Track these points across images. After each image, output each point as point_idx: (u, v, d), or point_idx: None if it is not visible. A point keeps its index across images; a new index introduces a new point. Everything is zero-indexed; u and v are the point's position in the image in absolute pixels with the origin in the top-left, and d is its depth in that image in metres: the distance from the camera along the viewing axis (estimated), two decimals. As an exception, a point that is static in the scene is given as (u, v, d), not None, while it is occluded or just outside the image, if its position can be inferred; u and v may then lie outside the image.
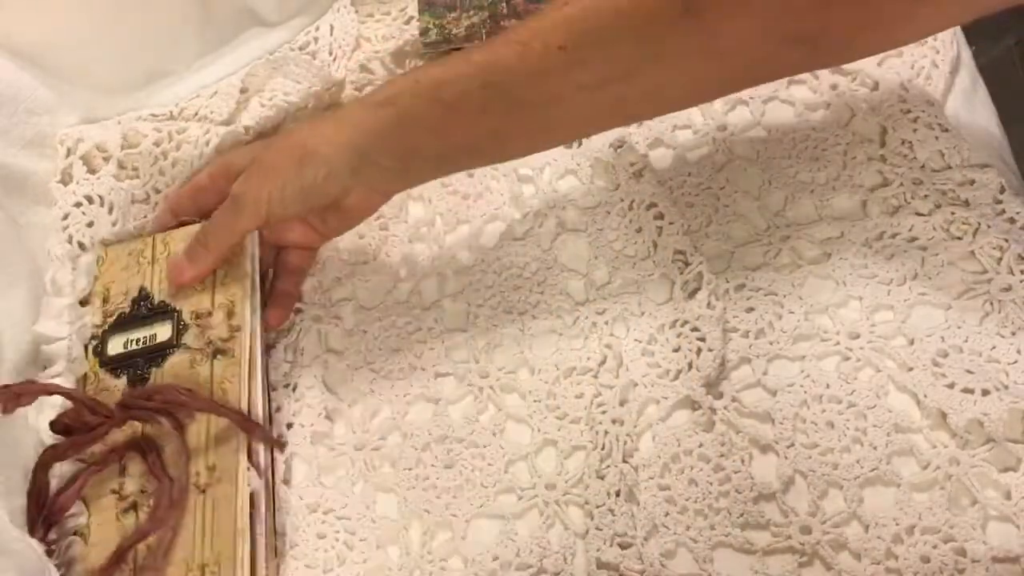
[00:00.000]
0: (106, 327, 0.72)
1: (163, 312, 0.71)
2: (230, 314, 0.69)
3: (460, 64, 0.58)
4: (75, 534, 0.64)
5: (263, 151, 0.65)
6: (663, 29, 0.53)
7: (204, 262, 0.67)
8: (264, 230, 0.70)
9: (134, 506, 0.63)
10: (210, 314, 0.69)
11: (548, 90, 0.57)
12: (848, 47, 0.56)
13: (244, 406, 0.65)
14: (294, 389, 0.70)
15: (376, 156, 0.61)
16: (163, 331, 0.70)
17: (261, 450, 0.65)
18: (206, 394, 0.65)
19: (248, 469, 0.63)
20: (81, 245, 0.76)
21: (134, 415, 0.64)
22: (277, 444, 0.66)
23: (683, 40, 0.53)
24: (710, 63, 0.55)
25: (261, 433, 0.64)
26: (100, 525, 0.63)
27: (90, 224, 0.76)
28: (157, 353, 0.69)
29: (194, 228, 0.74)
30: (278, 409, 0.70)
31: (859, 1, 0.50)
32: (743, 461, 0.61)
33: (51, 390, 0.63)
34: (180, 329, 0.69)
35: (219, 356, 0.67)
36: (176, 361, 0.68)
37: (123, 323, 0.72)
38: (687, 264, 0.68)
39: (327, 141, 0.61)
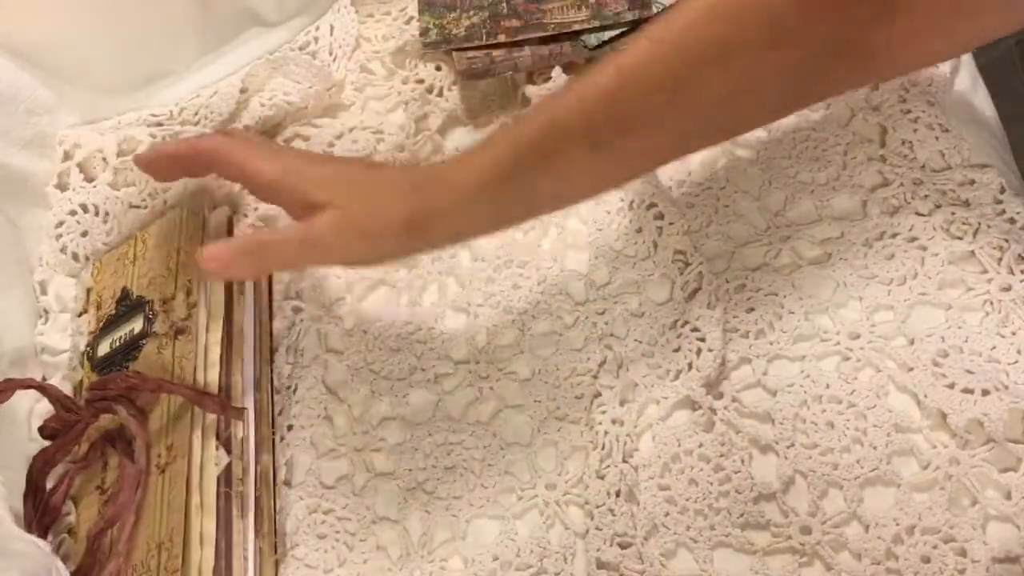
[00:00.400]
0: (97, 332, 0.73)
1: (138, 306, 0.71)
2: (188, 292, 0.69)
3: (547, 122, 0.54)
4: (68, 532, 0.65)
5: (355, 194, 0.58)
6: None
7: (247, 270, 0.63)
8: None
9: (112, 497, 0.63)
10: (173, 297, 0.70)
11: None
12: (889, 62, 0.54)
13: (200, 380, 0.66)
14: (294, 391, 0.70)
15: (468, 232, 0.59)
16: (137, 324, 0.71)
17: (242, 427, 0.65)
18: (167, 375, 0.66)
19: (217, 448, 0.63)
20: (75, 256, 0.76)
21: (98, 407, 0.64)
22: (234, 414, 0.65)
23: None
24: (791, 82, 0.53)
25: (212, 404, 0.64)
26: (86, 521, 0.64)
27: (84, 234, 0.76)
28: (133, 346, 0.70)
29: (165, 222, 0.75)
30: (280, 412, 0.70)
31: (902, 14, 0.49)
32: (743, 461, 0.61)
33: (28, 385, 0.64)
34: (151, 318, 0.70)
35: (179, 336, 0.68)
36: (148, 350, 0.69)
37: (109, 325, 0.73)
38: (687, 264, 0.68)
39: (441, 216, 0.56)
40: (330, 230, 0.57)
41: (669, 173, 0.72)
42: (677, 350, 0.66)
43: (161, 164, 0.64)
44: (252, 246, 0.61)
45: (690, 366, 0.65)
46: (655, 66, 0.51)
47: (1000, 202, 0.66)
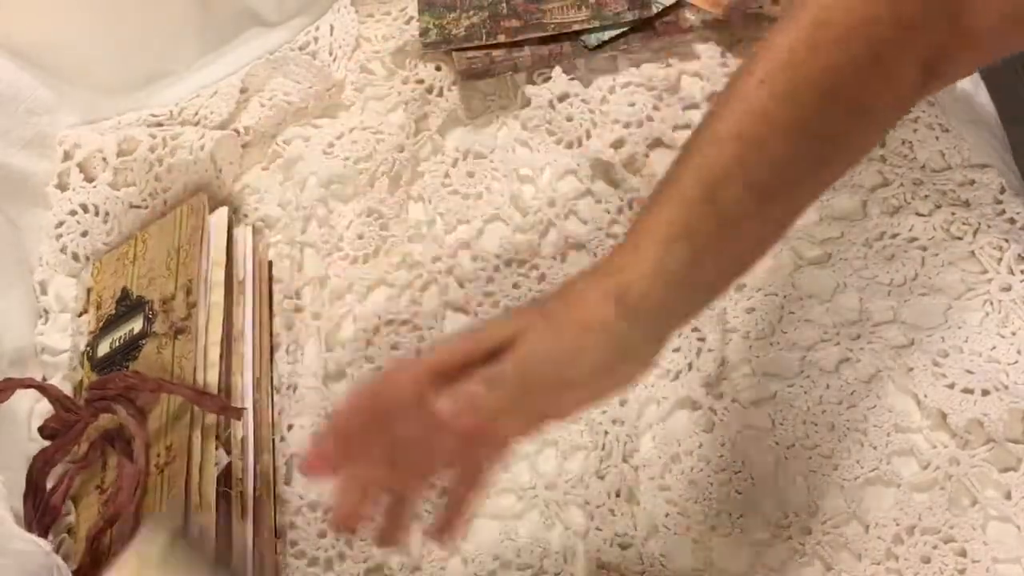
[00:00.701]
0: (97, 332, 0.73)
1: (137, 306, 0.71)
2: (188, 292, 0.69)
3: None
4: (68, 532, 0.65)
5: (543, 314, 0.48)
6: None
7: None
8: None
9: (112, 497, 0.63)
10: (173, 297, 0.69)
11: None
12: (951, 72, 0.51)
13: (200, 380, 0.66)
14: (295, 390, 0.70)
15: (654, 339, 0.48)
16: (137, 324, 0.71)
17: (242, 427, 0.65)
18: (167, 375, 0.66)
19: (217, 448, 0.63)
20: (75, 256, 0.76)
21: (98, 407, 0.64)
22: (233, 413, 0.65)
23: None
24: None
25: (212, 404, 0.64)
26: (86, 521, 0.64)
27: (84, 234, 0.76)
28: (133, 346, 0.70)
29: (165, 222, 0.74)
30: (280, 412, 0.70)
31: (963, 25, 0.48)
32: (743, 461, 0.61)
33: (28, 384, 0.64)
34: (150, 318, 0.70)
35: (179, 336, 0.68)
36: (147, 350, 0.69)
37: (108, 325, 0.73)
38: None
39: (632, 358, 0.47)
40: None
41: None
42: (677, 350, 0.66)
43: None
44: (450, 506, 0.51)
45: (690, 366, 0.65)
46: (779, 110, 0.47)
47: (1000, 202, 0.66)
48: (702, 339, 0.65)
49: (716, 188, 0.47)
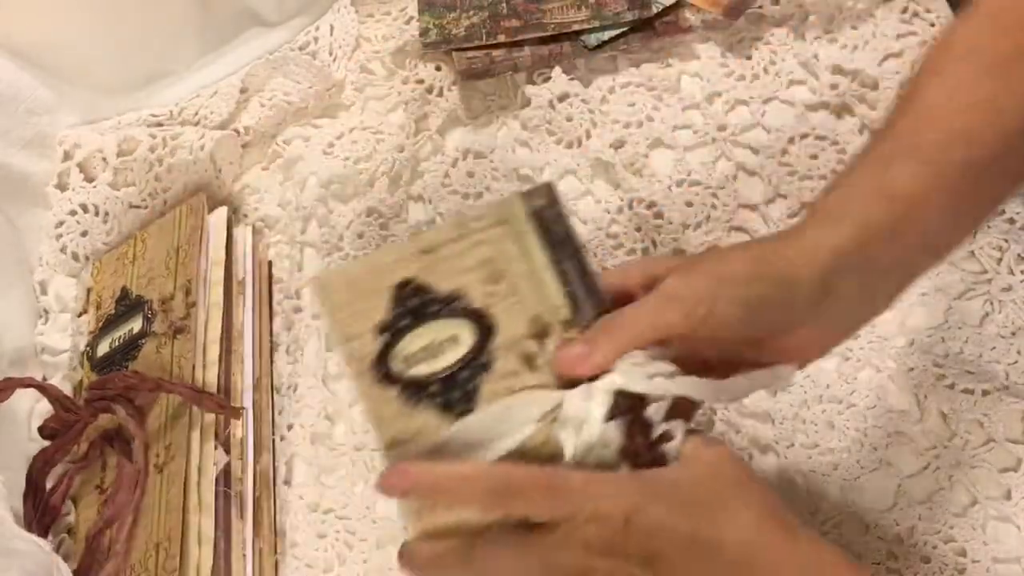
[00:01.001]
0: (96, 332, 0.73)
1: (137, 305, 0.71)
2: (187, 292, 0.69)
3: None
4: (68, 532, 0.65)
5: (712, 256, 0.51)
6: None
7: (606, 352, 0.49)
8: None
9: (111, 497, 0.63)
10: (172, 297, 0.69)
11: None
12: None
13: (199, 380, 0.66)
14: (295, 390, 0.71)
15: (843, 283, 0.47)
16: (136, 323, 0.71)
17: (241, 427, 0.65)
18: (166, 375, 0.66)
19: (216, 447, 0.63)
20: (75, 256, 0.76)
21: (97, 407, 0.64)
22: (232, 413, 0.65)
23: None
24: None
25: (211, 403, 0.64)
26: (86, 521, 0.64)
27: (84, 234, 0.76)
28: (132, 346, 0.70)
29: (165, 222, 0.74)
30: (280, 412, 0.70)
31: None
32: (744, 461, 0.61)
33: (28, 384, 0.64)
34: (149, 318, 0.70)
35: (178, 335, 0.68)
36: (147, 350, 0.69)
37: (108, 324, 0.73)
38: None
39: (793, 261, 0.47)
40: (684, 276, 0.48)
41: (668, 172, 0.72)
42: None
43: None
44: (598, 324, 0.50)
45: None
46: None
47: (1000, 202, 0.66)
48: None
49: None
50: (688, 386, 0.48)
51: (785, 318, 0.47)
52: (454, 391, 0.51)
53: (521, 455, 0.48)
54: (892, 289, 0.49)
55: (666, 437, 0.48)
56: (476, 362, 0.51)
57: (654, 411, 0.48)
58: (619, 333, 0.49)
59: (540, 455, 0.48)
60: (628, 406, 0.48)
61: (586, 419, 0.48)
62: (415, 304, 0.52)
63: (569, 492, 0.45)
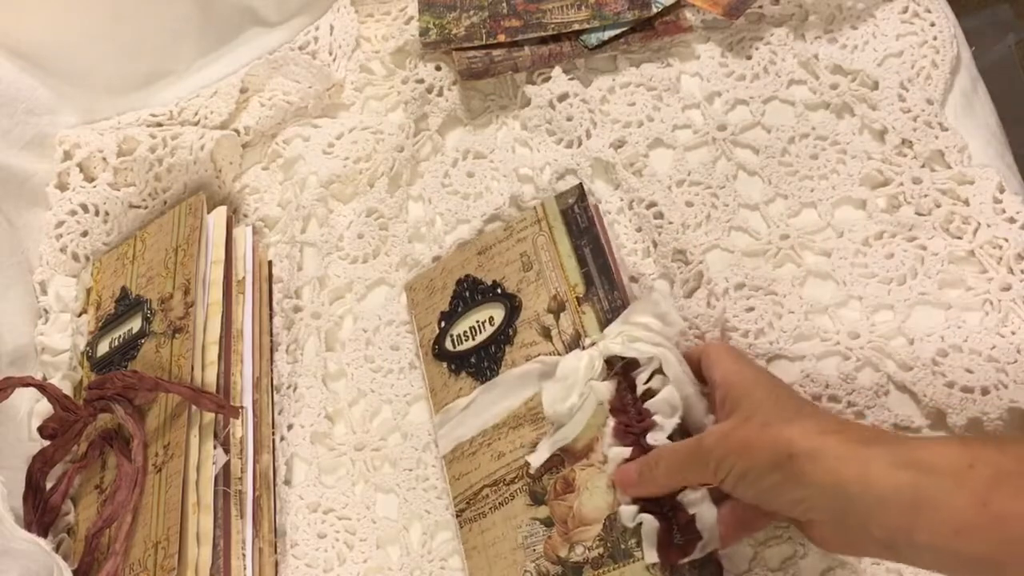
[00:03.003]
0: (96, 331, 0.73)
1: (136, 305, 0.71)
2: (186, 292, 0.69)
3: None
4: (68, 532, 0.65)
5: (758, 417, 0.52)
6: None
7: (650, 486, 0.55)
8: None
9: (110, 497, 0.63)
10: (171, 297, 0.69)
11: None
12: None
13: (198, 379, 0.66)
14: (294, 390, 0.71)
15: (870, 524, 0.46)
16: (136, 323, 0.71)
17: (240, 426, 0.65)
18: (165, 374, 0.66)
19: (215, 447, 0.63)
20: (75, 256, 0.76)
21: (97, 407, 0.64)
22: (231, 412, 0.65)
23: None
24: None
25: (209, 403, 0.64)
26: (86, 520, 0.64)
27: (84, 234, 0.77)
28: (132, 345, 0.70)
29: (164, 222, 0.74)
30: (280, 412, 0.70)
31: None
32: (743, 461, 0.61)
33: (27, 383, 0.64)
34: (149, 318, 0.70)
35: (177, 335, 0.68)
36: (146, 349, 0.69)
37: (107, 324, 0.73)
38: (687, 263, 0.68)
39: (832, 473, 0.47)
40: (725, 439, 0.51)
41: (668, 172, 0.72)
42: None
43: None
44: (651, 454, 0.56)
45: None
46: None
47: (1000, 202, 0.65)
48: (700, 338, 0.65)
49: None
50: (668, 354, 0.57)
51: (800, 514, 0.49)
52: (484, 361, 0.63)
53: (523, 415, 0.61)
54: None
55: (648, 394, 0.57)
56: (503, 336, 0.63)
57: (639, 372, 0.58)
58: (660, 476, 0.55)
59: (539, 414, 0.60)
60: (621, 370, 0.59)
61: (576, 377, 0.59)
62: (468, 295, 0.65)
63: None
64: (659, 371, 0.58)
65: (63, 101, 0.80)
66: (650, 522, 0.54)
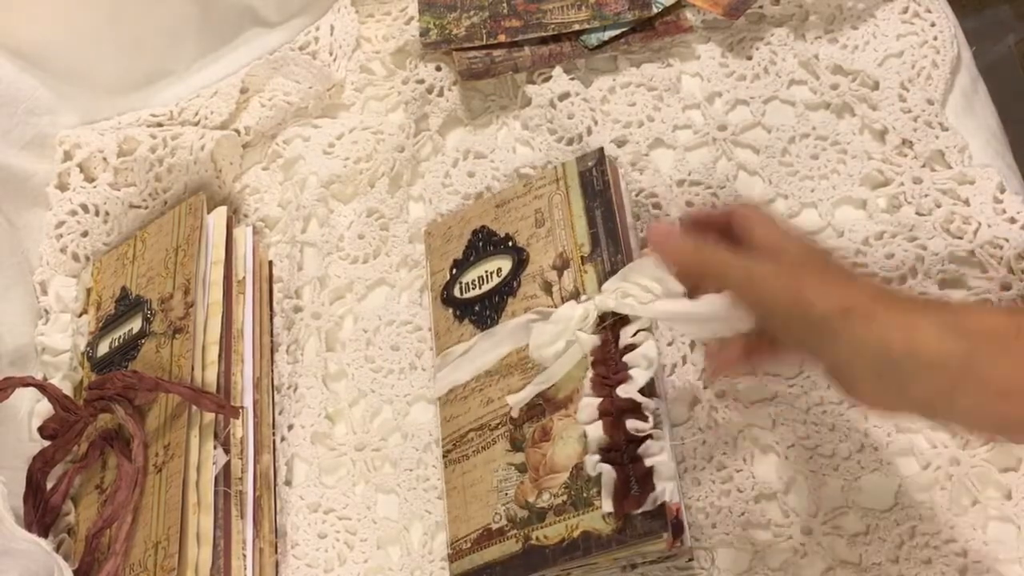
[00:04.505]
0: (96, 332, 0.73)
1: (136, 305, 0.71)
2: (186, 292, 0.69)
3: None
4: (68, 532, 0.65)
5: (804, 263, 0.50)
6: None
7: (680, 253, 0.53)
8: None
9: (110, 497, 0.63)
10: (171, 297, 0.69)
11: None
12: None
13: (198, 379, 0.66)
14: (295, 390, 0.71)
15: (911, 386, 0.46)
16: (136, 323, 0.71)
17: (241, 426, 0.65)
18: (165, 374, 0.66)
19: (216, 447, 0.63)
20: (75, 256, 0.76)
21: (97, 407, 0.64)
22: (231, 412, 0.65)
23: None
24: None
25: (209, 403, 0.64)
26: (86, 521, 0.64)
27: (84, 234, 0.77)
28: (132, 346, 0.70)
29: (164, 222, 0.74)
30: (280, 412, 0.70)
31: None
32: (744, 460, 0.61)
33: (27, 383, 0.64)
34: (149, 318, 0.70)
35: (177, 335, 0.68)
36: (146, 350, 0.69)
37: (108, 324, 0.72)
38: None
39: (875, 329, 0.46)
40: (773, 278, 0.50)
41: (669, 172, 0.72)
42: (670, 343, 0.65)
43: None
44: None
45: (684, 359, 0.65)
46: None
47: (1000, 201, 0.65)
48: (702, 338, 0.65)
49: None
50: (656, 311, 0.57)
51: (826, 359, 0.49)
52: (487, 310, 0.65)
53: (514, 363, 0.63)
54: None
55: (631, 347, 0.59)
56: (507, 287, 0.65)
57: (627, 328, 0.60)
58: (700, 254, 0.52)
59: (527, 363, 0.62)
60: (610, 325, 0.60)
61: (567, 325, 0.60)
62: (481, 245, 0.67)
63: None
64: (647, 329, 0.59)
65: (63, 101, 0.80)
66: (608, 472, 0.56)
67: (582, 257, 0.63)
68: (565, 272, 0.63)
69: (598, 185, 0.65)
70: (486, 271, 0.66)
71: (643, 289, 0.58)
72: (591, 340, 0.60)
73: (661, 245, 0.54)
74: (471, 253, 0.67)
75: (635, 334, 0.59)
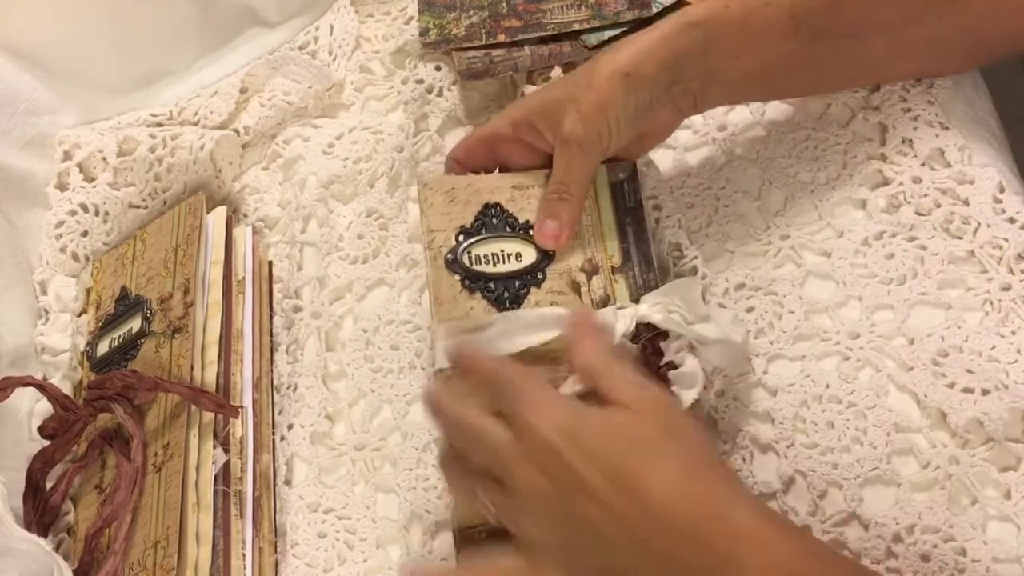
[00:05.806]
0: (96, 331, 0.73)
1: (136, 305, 0.71)
2: (186, 292, 0.69)
3: None
4: (68, 532, 0.65)
5: (579, 89, 0.60)
6: None
7: (572, 212, 0.62)
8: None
9: (110, 496, 0.63)
10: (170, 297, 0.69)
11: (846, 25, 0.62)
12: None
13: (198, 379, 0.66)
14: (294, 390, 0.71)
15: (686, 75, 0.61)
16: (135, 323, 0.71)
17: (240, 426, 0.65)
18: (165, 374, 0.66)
19: (215, 447, 0.63)
20: (75, 256, 0.76)
21: (96, 407, 0.64)
22: (230, 412, 0.65)
23: None
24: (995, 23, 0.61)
25: (209, 402, 0.64)
26: (86, 520, 0.64)
27: (84, 234, 0.77)
28: (131, 345, 0.70)
29: (164, 221, 0.74)
30: (280, 411, 0.70)
31: None
32: (744, 460, 0.61)
33: (27, 383, 0.64)
34: (148, 317, 0.70)
35: (176, 335, 0.68)
36: (146, 349, 0.69)
37: (107, 324, 0.73)
38: (683, 256, 0.67)
39: (642, 61, 0.60)
40: (575, 120, 0.60)
41: (668, 172, 0.72)
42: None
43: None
44: (546, 198, 0.64)
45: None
46: None
47: (1000, 201, 0.65)
48: (701, 338, 0.65)
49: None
50: (698, 332, 0.58)
51: (657, 110, 0.61)
52: (506, 292, 0.62)
53: (540, 355, 0.59)
54: (718, 88, 0.63)
55: (672, 365, 0.58)
56: (531, 276, 0.63)
57: (669, 344, 0.59)
58: (574, 191, 0.61)
59: (556, 357, 0.58)
60: (649, 337, 0.59)
61: (610, 331, 0.58)
62: (495, 222, 0.64)
63: (518, 394, 0.50)
64: (688, 348, 0.59)
65: (63, 101, 0.80)
66: None
67: (613, 267, 0.63)
68: (595, 277, 0.62)
69: (631, 202, 0.65)
70: (503, 251, 0.64)
71: (687, 310, 0.59)
72: (633, 349, 0.59)
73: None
74: (483, 226, 0.65)
75: (677, 352, 0.59)
